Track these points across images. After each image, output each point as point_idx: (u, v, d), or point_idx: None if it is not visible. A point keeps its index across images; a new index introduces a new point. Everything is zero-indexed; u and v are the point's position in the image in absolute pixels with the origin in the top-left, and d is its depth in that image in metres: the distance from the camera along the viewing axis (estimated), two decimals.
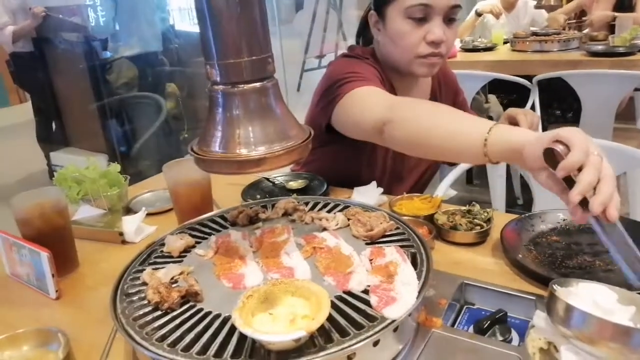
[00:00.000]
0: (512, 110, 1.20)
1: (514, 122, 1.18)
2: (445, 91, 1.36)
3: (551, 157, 0.65)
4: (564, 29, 3.08)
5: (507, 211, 1.26)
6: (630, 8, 3.20)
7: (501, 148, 0.75)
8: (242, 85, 0.67)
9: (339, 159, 1.24)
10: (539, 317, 0.63)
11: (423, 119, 0.87)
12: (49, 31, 3.49)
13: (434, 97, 1.33)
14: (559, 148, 0.64)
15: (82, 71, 3.37)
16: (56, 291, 0.83)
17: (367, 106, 0.99)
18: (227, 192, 1.21)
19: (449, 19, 1.11)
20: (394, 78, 1.24)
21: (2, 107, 6.65)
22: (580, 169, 0.63)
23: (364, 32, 1.32)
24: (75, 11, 3.49)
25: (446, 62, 1.36)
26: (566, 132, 0.65)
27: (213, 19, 0.64)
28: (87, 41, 3.38)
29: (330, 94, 1.10)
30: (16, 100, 6.90)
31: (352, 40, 1.40)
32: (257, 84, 0.68)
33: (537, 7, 3.42)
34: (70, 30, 3.39)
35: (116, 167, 1.16)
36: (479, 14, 3.47)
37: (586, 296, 0.60)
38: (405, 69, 1.18)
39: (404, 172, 1.34)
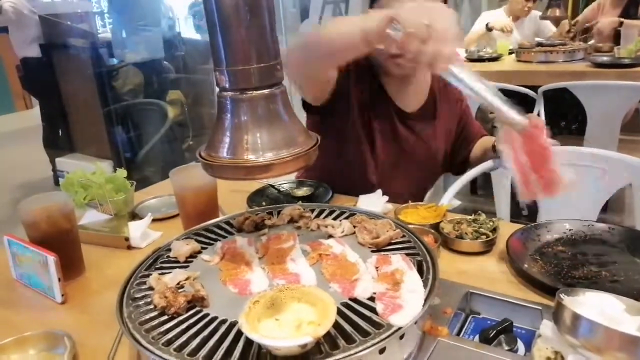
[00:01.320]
0: None
1: None
2: (444, 97, 1.38)
3: None
4: (568, 32, 3.08)
5: (511, 222, 1.25)
6: (636, 17, 3.20)
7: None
8: (251, 92, 0.68)
9: (326, 156, 1.27)
10: (546, 327, 0.62)
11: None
12: (57, 37, 3.52)
13: (433, 102, 1.35)
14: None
15: (89, 77, 3.41)
16: (62, 295, 0.84)
17: None
18: (233, 199, 1.21)
19: None
20: (384, 78, 1.29)
21: (9, 113, 6.70)
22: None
23: None
24: (83, 18, 3.53)
25: None
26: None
27: (223, 26, 0.65)
28: (94, 48, 3.42)
29: None
30: (22, 107, 6.96)
31: None
32: (266, 91, 0.68)
33: (543, 18, 3.43)
34: (77, 37, 3.43)
35: (122, 172, 1.17)
36: (489, 29, 3.47)
37: (593, 306, 0.60)
38: (384, 67, 1.26)
39: (396, 174, 1.35)
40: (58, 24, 3.47)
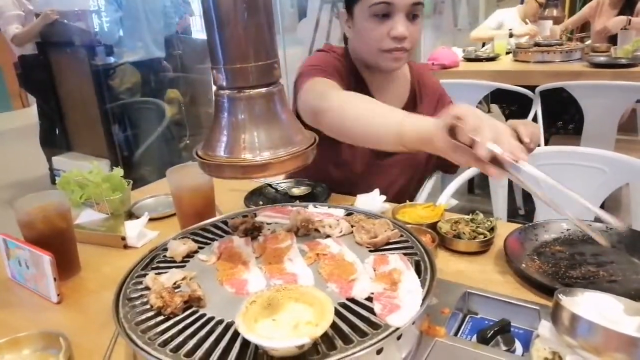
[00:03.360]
0: (512, 122, 1.20)
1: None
2: (425, 94, 1.37)
3: (454, 133, 0.73)
4: (561, 37, 3.10)
5: (508, 221, 1.25)
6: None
7: (414, 138, 0.82)
8: (248, 90, 0.67)
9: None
10: (544, 327, 0.62)
11: (346, 110, 0.97)
12: (54, 36, 3.51)
13: (413, 99, 1.35)
14: (460, 122, 0.71)
15: (86, 76, 3.39)
16: (58, 295, 0.83)
17: (309, 96, 1.10)
18: (230, 198, 1.21)
19: (412, 15, 1.16)
20: (366, 74, 1.29)
21: (5, 112, 6.67)
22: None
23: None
24: (81, 16, 3.51)
25: (426, 69, 1.40)
26: (459, 109, 0.72)
27: (220, 24, 0.65)
28: (91, 46, 3.40)
29: (295, 86, 1.20)
30: (19, 105, 6.93)
31: None
32: (263, 89, 0.68)
33: (541, 18, 3.44)
34: (75, 35, 3.41)
35: (119, 171, 1.16)
36: (510, 35, 3.46)
37: (592, 306, 0.60)
38: (373, 63, 1.24)
39: (379, 172, 1.35)
40: (55, 22, 3.45)
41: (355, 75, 1.27)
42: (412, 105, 1.35)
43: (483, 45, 3.46)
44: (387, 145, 0.89)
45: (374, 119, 0.90)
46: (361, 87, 1.27)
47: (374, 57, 1.22)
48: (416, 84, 1.37)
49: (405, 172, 1.38)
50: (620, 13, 3.36)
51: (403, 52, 1.18)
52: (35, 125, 3.95)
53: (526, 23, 3.56)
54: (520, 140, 1.15)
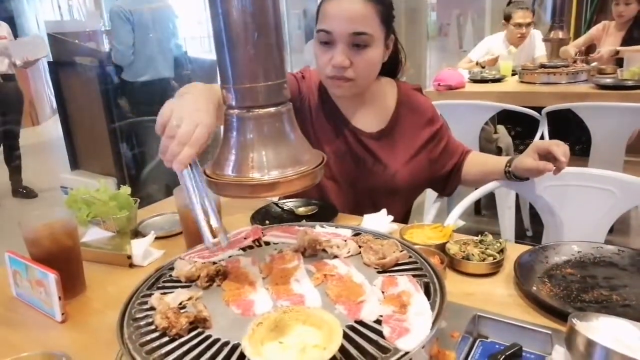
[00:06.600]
0: (541, 143, 1.20)
1: (544, 154, 1.17)
2: (412, 119, 1.35)
3: None
4: (574, 62, 3.11)
5: (516, 242, 1.23)
6: (639, 41, 3.24)
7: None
8: (257, 110, 0.67)
9: None
10: (558, 352, 0.61)
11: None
12: (64, 55, 3.58)
13: (395, 122, 1.33)
14: None
15: (95, 95, 3.44)
16: (62, 314, 0.82)
17: None
18: (236, 217, 1.20)
19: (356, 45, 1.15)
20: (337, 99, 1.31)
21: None
22: None
23: None
24: (92, 37, 3.58)
25: (418, 92, 1.39)
26: None
27: (230, 44, 0.65)
28: (101, 66, 3.46)
29: None
30: (29, 123, 6.99)
31: None
32: (272, 109, 0.68)
33: (545, 40, 3.47)
34: (85, 55, 3.47)
35: (126, 189, 1.17)
36: (482, 66, 3.56)
37: (607, 331, 0.59)
38: (325, 87, 1.29)
39: (355, 195, 1.33)
40: (65, 42, 3.53)
41: (307, 97, 1.31)
42: (393, 132, 1.32)
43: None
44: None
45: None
46: (332, 111, 1.30)
47: (324, 82, 1.27)
48: (403, 110, 1.34)
49: (381, 198, 1.32)
50: (627, 35, 3.38)
51: (345, 81, 1.19)
52: (45, 143, 4.00)
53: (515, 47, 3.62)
54: (554, 159, 1.14)
